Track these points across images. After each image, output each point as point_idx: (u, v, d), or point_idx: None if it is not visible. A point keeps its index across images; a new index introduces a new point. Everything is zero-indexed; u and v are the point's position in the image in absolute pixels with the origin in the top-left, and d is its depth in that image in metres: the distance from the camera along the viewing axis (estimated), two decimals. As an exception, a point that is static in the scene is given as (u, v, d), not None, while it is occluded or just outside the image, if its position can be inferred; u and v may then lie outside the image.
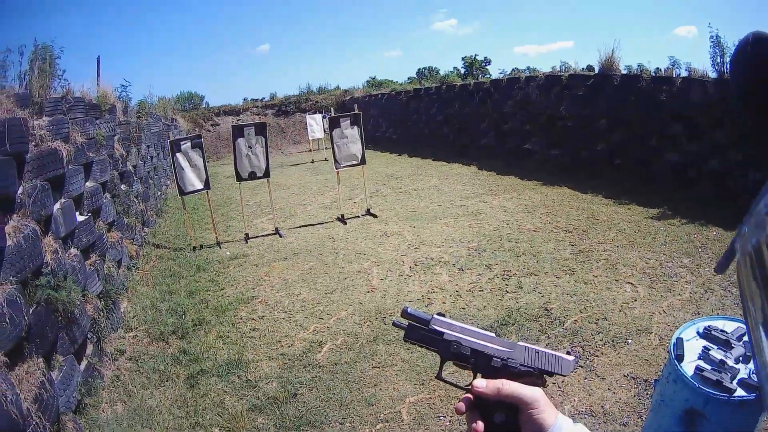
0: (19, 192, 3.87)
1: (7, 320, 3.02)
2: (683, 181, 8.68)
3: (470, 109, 15.44)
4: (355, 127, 8.82)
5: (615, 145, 10.41)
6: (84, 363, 4.31)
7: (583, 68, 12.89)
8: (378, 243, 7.41)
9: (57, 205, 4.75)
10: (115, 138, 7.28)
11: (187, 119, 22.66)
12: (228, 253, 7.71)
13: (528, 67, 24.13)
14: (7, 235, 3.49)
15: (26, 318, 3.33)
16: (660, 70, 10.61)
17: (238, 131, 8.32)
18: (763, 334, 0.42)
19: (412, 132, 18.96)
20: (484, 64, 29.04)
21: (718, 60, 8.84)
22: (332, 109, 14.09)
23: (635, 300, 4.93)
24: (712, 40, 9.02)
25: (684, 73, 9.87)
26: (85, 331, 4.36)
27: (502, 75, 18.17)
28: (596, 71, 11.19)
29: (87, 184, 5.74)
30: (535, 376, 0.80)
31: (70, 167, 5.13)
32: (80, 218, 5.34)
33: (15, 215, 3.77)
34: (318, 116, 18.80)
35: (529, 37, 54.55)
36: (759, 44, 0.55)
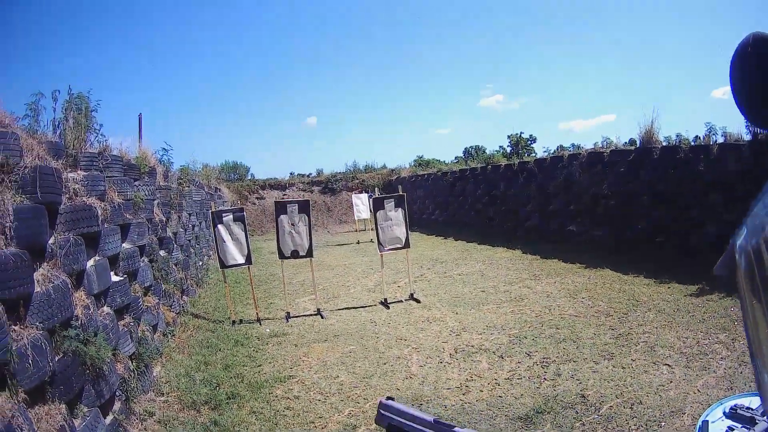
0: (50, 242, 3.78)
1: (30, 361, 2.94)
2: (721, 254, 8.16)
3: (515, 189, 15.40)
4: (399, 209, 8.71)
5: (656, 221, 10.23)
6: (110, 418, 4.07)
7: (625, 142, 13.04)
8: (420, 329, 7.18)
9: (90, 262, 4.65)
10: (155, 202, 7.31)
11: (232, 190, 23.02)
12: (268, 330, 7.51)
13: (572, 144, 24.30)
14: (35, 281, 3.37)
15: (50, 364, 3.20)
16: (699, 137, 10.61)
17: (281, 208, 8.28)
18: (764, 334, 0.41)
19: (458, 213, 18.85)
20: (529, 142, 29.31)
21: (753, 123, 8.55)
22: (377, 189, 14.20)
23: (671, 381, 4.88)
24: (747, 100, 8.78)
25: (720, 139, 9.80)
26: (114, 388, 4.12)
27: (546, 153, 18.38)
28: (637, 144, 11.21)
29: (124, 245, 5.68)
30: None
31: (105, 226, 5.07)
32: (115, 278, 5.23)
33: (45, 264, 3.65)
34: (364, 196, 18.91)
35: (574, 111, 55.46)
36: (759, 45, 0.54)
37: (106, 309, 4.81)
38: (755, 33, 0.54)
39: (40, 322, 3.28)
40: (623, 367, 5.30)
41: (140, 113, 8.38)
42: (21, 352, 2.93)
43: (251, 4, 52.60)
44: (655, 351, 5.64)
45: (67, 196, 4.20)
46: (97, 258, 4.84)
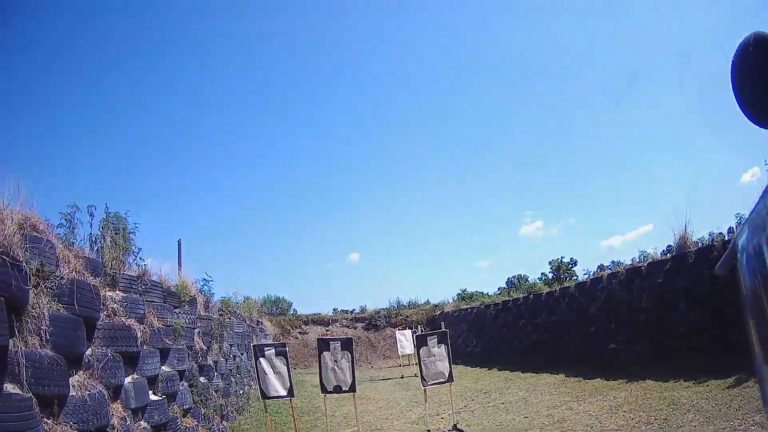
0: (87, 353, 4.16)
1: None
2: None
3: (557, 315, 15.39)
4: (443, 345, 8.93)
5: (694, 325, 10.08)
6: None
7: (662, 251, 13.13)
8: None
9: (128, 379, 4.98)
10: (195, 331, 7.71)
11: (275, 323, 23.33)
12: None
13: (612, 261, 24.36)
14: (71, 386, 3.70)
15: None
16: (733, 229, 10.71)
17: (323, 345, 8.54)
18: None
19: (501, 344, 18.68)
20: (570, 265, 29.20)
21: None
22: (420, 327, 14.34)
23: None
24: (772, 178, 8.89)
25: None
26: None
27: (587, 275, 18.47)
28: (674, 251, 11.35)
29: (163, 368, 6.01)
30: None
31: (144, 348, 5.46)
32: (153, 397, 5.51)
33: (81, 372, 4.01)
34: (408, 332, 19.08)
35: (613, 228, 54.84)
36: (760, 44, 0.56)
37: (143, 424, 5.04)
38: (756, 33, 0.54)
39: (74, 423, 3.57)
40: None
41: (179, 239, 8.92)
42: (54, 446, 3.18)
43: (288, 142, 56.82)
44: (692, 449, 5.61)
45: (105, 313, 4.66)
46: (135, 376, 5.17)
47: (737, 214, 10.82)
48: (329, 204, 58.84)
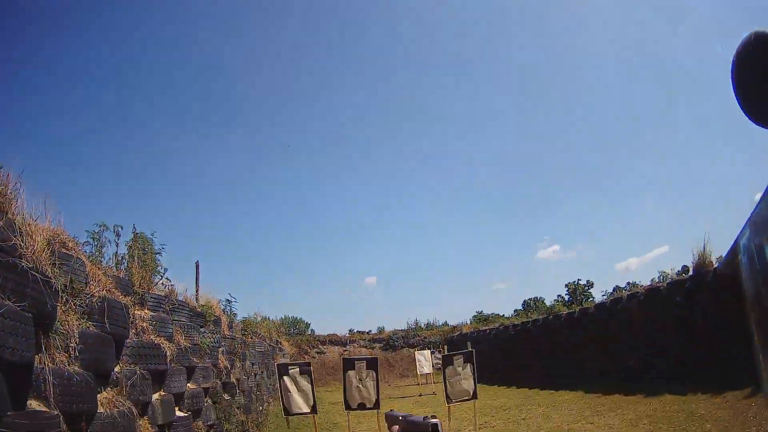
0: (116, 370, 4.21)
1: None
2: None
3: (577, 335, 15.38)
4: (468, 364, 8.96)
5: (713, 343, 9.90)
6: None
7: (678, 271, 13.20)
8: None
9: (156, 396, 5.03)
10: (220, 349, 7.77)
11: (292, 343, 23.61)
12: None
13: (628, 283, 24.13)
14: (99, 403, 3.74)
15: None
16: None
17: (349, 364, 8.55)
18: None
19: (521, 364, 18.64)
20: (586, 287, 28.98)
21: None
22: (444, 347, 14.26)
23: None
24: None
25: None
26: None
27: (604, 296, 18.42)
28: (691, 272, 11.26)
29: (189, 385, 6.05)
30: None
31: (172, 365, 5.52)
32: (179, 414, 5.54)
33: (110, 389, 4.05)
34: (426, 352, 19.49)
35: (628, 250, 54.19)
36: (761, 43, 0.55)
37: (169, 441, 5.05)
38: (756, 31, 0.54)
39: (103, 439, 3.58)
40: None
41: (197, 261, 9.00)
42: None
43: (307, 168, 57.41)
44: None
45: (134, 331, 4.72)
46: (162, 393, 5.22)
47: None
48: (347, 227, 59.19)
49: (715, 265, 10.50)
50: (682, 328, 10.87)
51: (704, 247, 10.68)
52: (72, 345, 3.40)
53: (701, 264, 10.68)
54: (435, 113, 57.17)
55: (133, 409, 4.25)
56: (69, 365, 3.36)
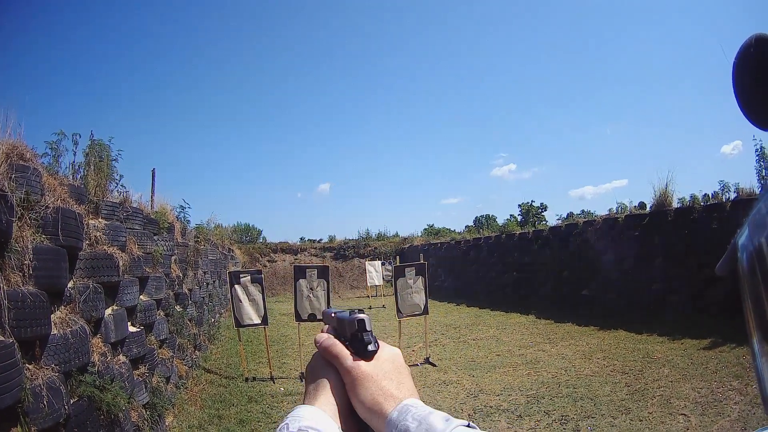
0: (69, 286, 3.81)
1: (45, 402, 2.92)
2: (734, 310, 8.22)
3: (529, 257, 15.46)
4: (420, 277, 8.81)
5: (670, 282, 10.26)
6: (122, 463, 3.93)
7: (635, 205, 13.10)
8: (437, 391, 7.10)
9: (109, 311, 4.67)
10: (173, 258, 7.38)
11: (244, 251, 23.22)
12: (282, 389, 7.42)
13: (582, 211, 24.42)
14: (53, 324, 3.38)
15: (66, 407, 3.18)
16: (710, 195, 10.83)
17: (300, 272, 8.31)
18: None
19: (471, 281, 18.77)
20: (540, 210, 29.37)
21: (764, 173, 8.64)
22: (397, 257, 14.08)
23: (687, 429, 5.01)
24: (757, 153, 8.90)
25: (733, 196, 9.79)
26: (127, 435, 4.02)
27: (559, 220, 18.35)
28: (649, 209, 11.40)
29: (141, 297, 5.70)
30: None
31: (125, 277, 5.12)
32: (132, 329, 5.23)
33: (63, 307, 3.67)
34: (377, 263, 19.11)
35: (585, 179, 55.65)
36: (762, 46, 0.53)
37: (122, 358, 4.78)
38: (758, 34, 0.54)
39: (56, 365, 3.26)
40: (640, 420, 5.33)
41: (153, 168, 8.51)
42: (36, 392, 2.90)
43: (270, 70, 54.75)
44: (670, 403, 5.73)
45: (88, 242, 4.27)
46: (115, 307, 4.86)
47: (720, 181, 10.97)
48: (302, 133, 57.67)
49: (676, 205, 10.79)
50: (639, 263, 11.14)
51: (666, 185, 10.89)
52: (26, 263, 2.97)
53: (662, 202, 10.89)
54: (402, 24, 54.97)
55: (86, 327, 3.90)
56: (23, 285, 2.95)
